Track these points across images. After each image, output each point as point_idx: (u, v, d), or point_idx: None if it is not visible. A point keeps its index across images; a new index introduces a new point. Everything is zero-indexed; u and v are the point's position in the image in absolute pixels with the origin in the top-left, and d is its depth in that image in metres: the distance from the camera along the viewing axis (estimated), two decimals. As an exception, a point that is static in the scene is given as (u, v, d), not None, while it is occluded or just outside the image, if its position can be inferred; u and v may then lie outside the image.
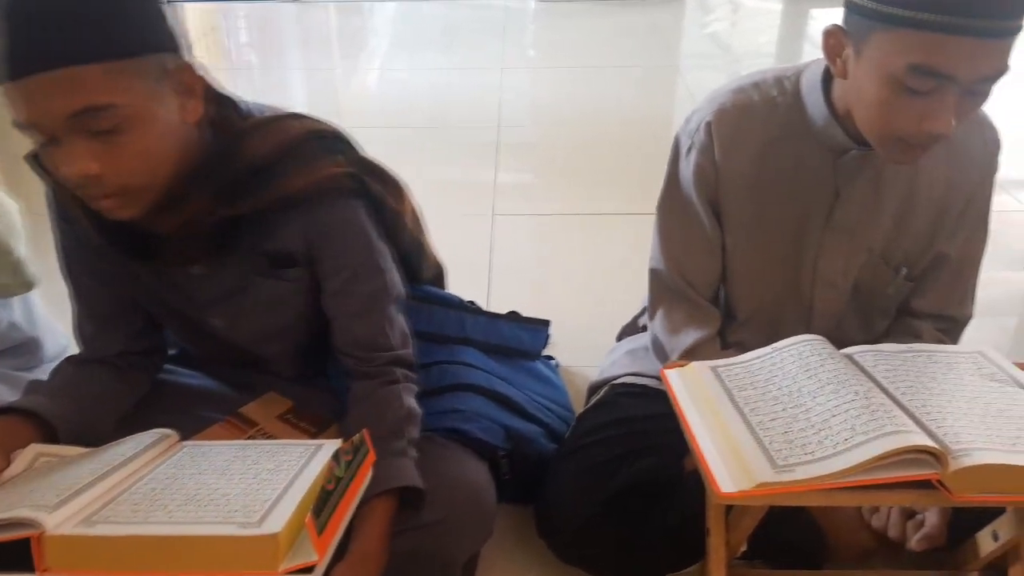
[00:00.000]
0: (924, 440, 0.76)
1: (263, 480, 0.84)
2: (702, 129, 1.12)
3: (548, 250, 2.23)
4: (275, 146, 1.01)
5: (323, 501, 0.78)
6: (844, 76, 0.99)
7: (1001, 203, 2.39)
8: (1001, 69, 0.90)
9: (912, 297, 1.22)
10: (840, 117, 1.05)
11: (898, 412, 0.82)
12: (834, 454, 0.78)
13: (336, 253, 1.07)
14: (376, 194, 1.11)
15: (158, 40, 0.89)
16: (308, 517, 0.75)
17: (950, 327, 1.24)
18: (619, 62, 3.76)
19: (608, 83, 3.50)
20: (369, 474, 0.92)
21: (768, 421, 0.87)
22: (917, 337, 1.21)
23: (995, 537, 1.00)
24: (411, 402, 1.10)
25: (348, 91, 3.58)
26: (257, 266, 1.07)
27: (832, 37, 0.99)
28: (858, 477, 0.76)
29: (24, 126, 0.86)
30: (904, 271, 1.17)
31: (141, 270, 1.08)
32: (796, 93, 1.10)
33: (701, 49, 4.19)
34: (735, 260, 1.18)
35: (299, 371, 1.23)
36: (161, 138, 0.91)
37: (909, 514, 1.09)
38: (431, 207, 2.46)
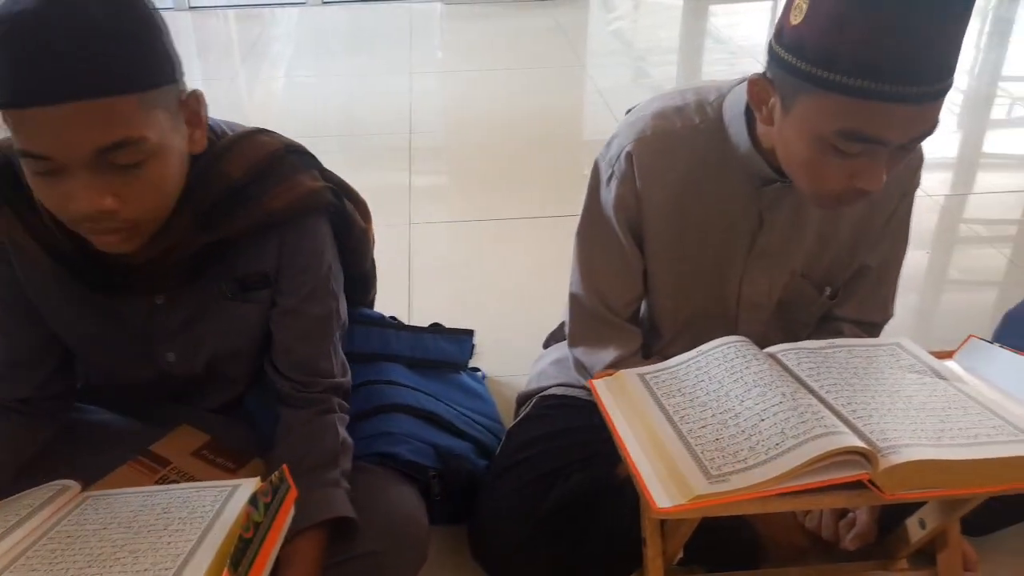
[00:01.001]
0: (854, 441, 0.76)
1: (175, 531, 0.78)
2: (622, 158, 1.08)
3: (467, 257, 2.19)
4: (252, 164, 0.97)
5: (241, 552, 0.73)
6: (770, 124, 0.96)
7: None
8: (932, 128, 0.88)
9: (835, 305, 1.22)
10: (763, 150, 1.02)
11: (825, 412, 0.82)
12: (766, 460, 0.78)
13: (298, 271, 1.03)
14: (349, 212, 1.07)
15: (175, 68, 0.84)
16: (225, 572, 0.70)
17: (871, 329, 1.25)
18: (527, 63, 3.76)
19: (517, 84, 3.48)
20: (291, 513, 0.87)
21: (698, 428, 0.86)
22: (839, 335, 1.22)
23: (922, 525, 1.02)
24: (344, 433, 1.07)
25: (252, 100, 3.47)
26: (225, 290, 1.02)
27: (757, 86, 0.95)
28: (791, 482, 0.76)
29: (27, 154, 0.78)
30: (828, 290, 1.17)
31: (86, 310, 1.00)
32: (719, 120, 1.06)
33: (606, 47, 4.22)
34: (658, 284, 1.17)
35: (232, 400, 1.17)
36: (176, 171, 0.87)
37: (840, 514, 1.10)
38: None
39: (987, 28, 4.43)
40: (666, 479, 0.80)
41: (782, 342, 1.20)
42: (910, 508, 1.03)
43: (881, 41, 0.81)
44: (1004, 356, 0.96)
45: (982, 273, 2.16)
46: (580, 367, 1.23)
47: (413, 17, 4.52)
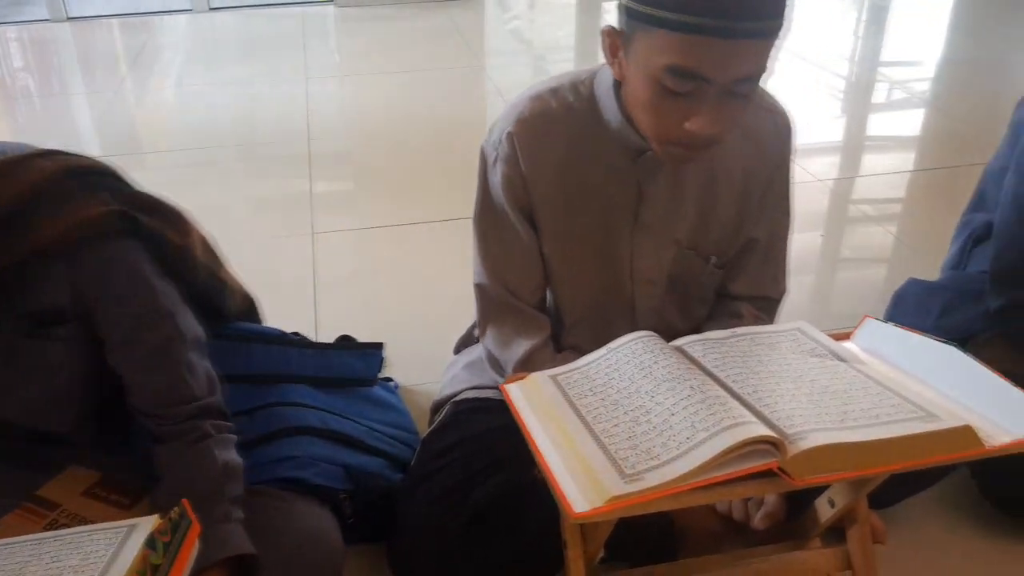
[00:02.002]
0: (763, 430, 0.77)
1: (65, 582, 0.73)
2: (504, 140, 1.10)
3: (374, 265, 2.15)
4: (23, 191, 0.88)
5: (139, 598, 0.68)
6: (621, 78, 1.00)
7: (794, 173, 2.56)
8: (758, 70, 0.91)
9: (728, 281, 1.26)
10: (632, 120, 1.06)
11: (733, 403, 0.82)
12: (679, 455, 0.78)
13: (113, 302, 0.95)
14: (152, 230, 0.99)
15: None
16: (121, 622, 0.65)
17: (766, 305, 1.29)
18: (425, 65, 3.72)
19: (416, 86, 3.45)
20: (195, 549, 0.82)
21: (611, 427, 0.85)
22: (737, 316, 1.25)
23: (832, 504, 1.04)
24: (227, 455, 1.00)
25: (140, 112, 3.32)
26: (20, 328, 0.93)
27: (608, 37, 0.99)
28: (704, 476, 0.76)
29: None
30: (714, 260, 1.20)
31: None
32: (591, 97, 1.10)
33: (504, 47, 4.23)
34: (555, 266, 1.18)
35: (99, 438, 1.09)
36: None
37: (749, 494, 1.12)
38: (245, 231, 2.33)
39: (864, 16, 4.63)
40: (582, 482, 0.79)
41: (680, 319, 1.25)
42: (820, 488, 1.06)
43: None
44: (898, 334, 0.99)
45: (872, 251, 2.25)
46: (493, 362, 1.22)
47: (305, 21, 4.42)
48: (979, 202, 1.56)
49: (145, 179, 1.05)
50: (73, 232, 0.90)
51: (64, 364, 0.97)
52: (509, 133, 1.10)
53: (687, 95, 0.92)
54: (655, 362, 0.93)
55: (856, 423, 0.81)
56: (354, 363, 1.43)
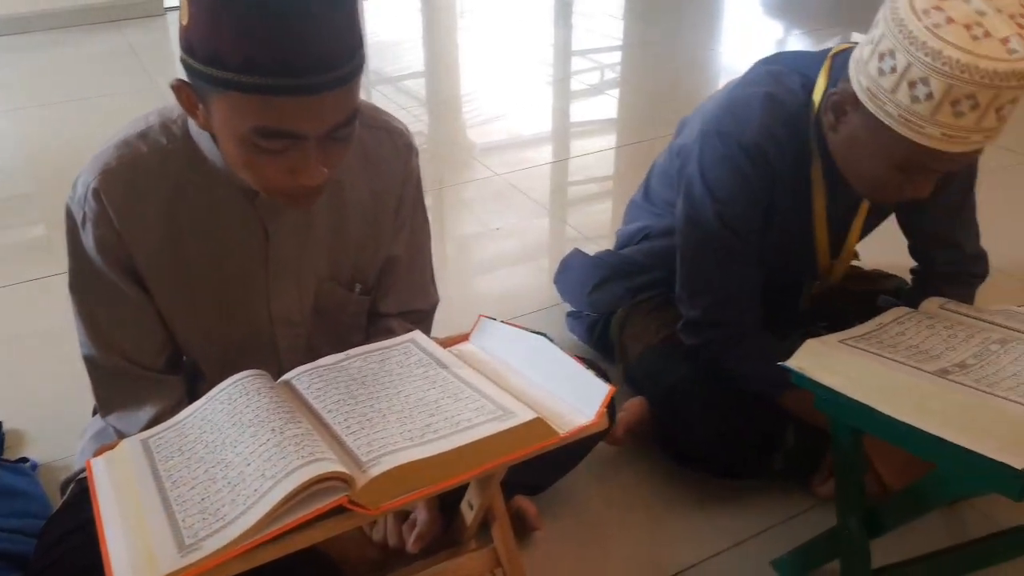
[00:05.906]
0: (327, 467, 0.72)
1: None
2: (91, 197, 0.97)
3: (11, 329, 1.89)
4: None
5: None
6: (209, 131, 0.90)
7: (516, 162, 2.62)
8: (348, 115, 0.85)
9: (377, 302, 1.21)
10: None
11: (310, 440, 0.77)
12: (244, 511, 0.71)
13: None
14: None
15: None
16: None
17: (419, 317, 1.26)
18: (92, 92, 3.39)
19: (80, 117, 3.13)
20: None
21: (187, 491, 0.78)
22: (390, 333, 1.21)
23: (470, 506, 1.04)
24: None
25: None
26: None
27: (182, 92, 0.87)
28: (269, 528, 0.70)
29: None
30: (359, 287, 1.15)
31: None
32: (186, 137, 0.98)
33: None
34: (180, 324, 1.07)
35: None
36: None
37: (403, 517, 1.09)
38: None
39: (554, 10, 4.88)
40: (138, 565, 0.70)
41: (335, 350, 1.17)
42: (461, 493, 1.05)
43: (253, 34, 0.77)
44: (504, 331, 1.00)
45: (596, 228, 2.32)
46: (121, 436, 1.10)
47: (-49, 55, 3.89)
48: (646, 194, 1.64)
49: None
50: None
51: None
52: (95, 189, 0.96)
53: (285, 150, 0.84)
54: (247, 406, 0.86)
55: (436, 435, 0.80)
56: (-37, 451, 1.24)
